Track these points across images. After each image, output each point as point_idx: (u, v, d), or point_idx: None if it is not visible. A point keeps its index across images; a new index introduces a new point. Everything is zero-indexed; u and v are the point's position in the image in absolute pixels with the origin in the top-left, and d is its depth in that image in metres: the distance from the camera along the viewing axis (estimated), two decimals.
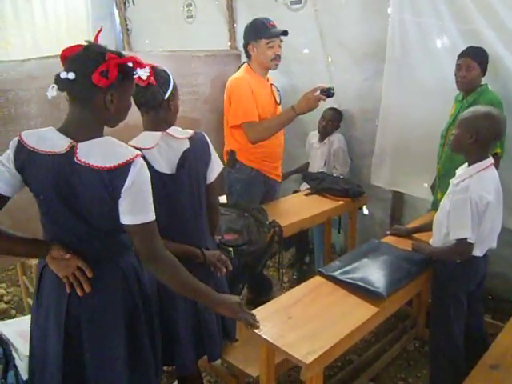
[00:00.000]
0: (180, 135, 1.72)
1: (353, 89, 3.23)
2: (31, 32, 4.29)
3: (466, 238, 1.82)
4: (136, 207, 1.28)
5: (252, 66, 2.68)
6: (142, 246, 1.31)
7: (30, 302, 3.03)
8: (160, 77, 1.65)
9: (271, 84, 2.79)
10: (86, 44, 1.28)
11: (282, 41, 2.66)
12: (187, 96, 3.28)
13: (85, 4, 4.49)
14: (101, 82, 1.22)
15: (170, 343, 1.71)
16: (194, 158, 1.72)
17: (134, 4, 4.65)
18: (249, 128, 2.54)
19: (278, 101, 2.78)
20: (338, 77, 3.27)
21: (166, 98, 1.67)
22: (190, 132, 1.75)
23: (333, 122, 3.29)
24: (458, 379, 1.85)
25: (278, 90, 2.81)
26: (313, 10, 3.20)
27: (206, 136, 1.80)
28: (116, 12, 4.82)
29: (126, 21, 4.80)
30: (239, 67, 2.75)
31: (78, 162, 1.25)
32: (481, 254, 1.93)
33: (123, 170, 1.25)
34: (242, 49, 2.87)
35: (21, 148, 1.28)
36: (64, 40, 4.40)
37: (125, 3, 4.70)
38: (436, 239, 2.03)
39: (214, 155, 1.82)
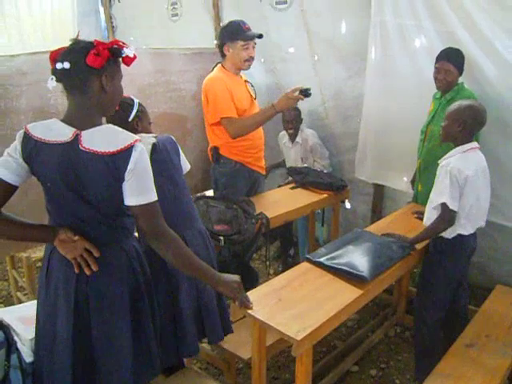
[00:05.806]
0: (146, 136, 1.88)
1: (336, 86, 3.34)
2: (17, 28, 4.28)
3: (445, 203, 1.99)
4: (139, 188, 1.36)
5: (226, 66, 2.77)
6: (146, 224, 1.38)
7: (20, 295, 3.05)
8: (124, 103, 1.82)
9: (245, 81, 2.89)
10: (71, 41, 1.37)
11: (255, 43, 2.75)
12: (174, 93, 3.34)
13: (70, 0, 4.49)
14: (96, 63, 1.32)
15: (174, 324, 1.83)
16: (163, 146, 1.87)
17: (119, 1, 4.68)
18: (228, 123, 2.64)
19: (254, 96, 2.89)
20: (322, 75, 3.37)
21: (130, 120, 1.86)
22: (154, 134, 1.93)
23: (296, 120, 3.37)
24: (440, 351, 2.01)
25: (252, 86, 2.92)
26: (299, 10, 3.29)
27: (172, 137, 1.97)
28: (101, 9, 4.85)
29: (111, 18, 4.83)
30: (213, 68, 2.83)
31: (83, 148, 1.33)
32: (467, 233, 2.09)
33: (125, 153, 1.33)
34: None
35: (27, 139, 1.35)
36: (49, 36, 4.42)
37: (110, 0, 4.73)
38: (426, 218, 2.18)
39: (182, 155, 1.99)
